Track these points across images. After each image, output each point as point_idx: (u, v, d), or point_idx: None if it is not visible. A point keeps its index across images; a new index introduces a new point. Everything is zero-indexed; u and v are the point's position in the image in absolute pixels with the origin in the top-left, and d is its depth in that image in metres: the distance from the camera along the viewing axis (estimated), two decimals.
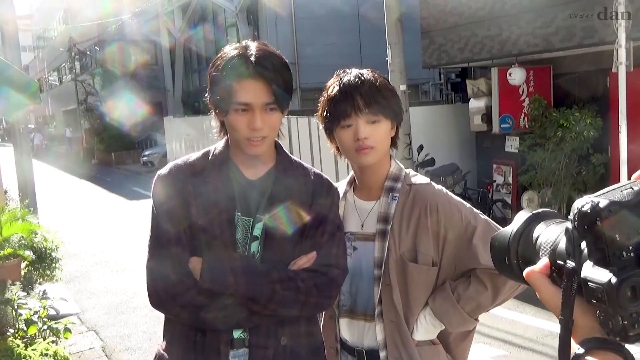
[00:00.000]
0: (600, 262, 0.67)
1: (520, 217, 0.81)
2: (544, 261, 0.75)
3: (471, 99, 9.67)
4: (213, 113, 1.75)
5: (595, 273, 0.67)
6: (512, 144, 9.26)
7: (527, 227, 0.80)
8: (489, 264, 1.74)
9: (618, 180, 6.43)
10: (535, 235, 0.79)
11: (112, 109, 25.84)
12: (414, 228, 1.82)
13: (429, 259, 1.81)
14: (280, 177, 1.73)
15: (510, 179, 9.40)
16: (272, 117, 1.64)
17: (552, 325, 5.40)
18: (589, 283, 0.67)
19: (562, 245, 0.72)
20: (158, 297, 1.63)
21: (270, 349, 1.66)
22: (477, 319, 1.84)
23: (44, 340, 3.69)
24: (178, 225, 1.65)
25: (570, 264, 0.70)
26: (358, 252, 1.89)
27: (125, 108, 24.57)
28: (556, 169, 8.39)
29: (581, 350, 0.70)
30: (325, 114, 1.85)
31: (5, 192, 8.13)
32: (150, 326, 6.09)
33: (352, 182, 1.99)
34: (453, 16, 9.71)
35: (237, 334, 1.67)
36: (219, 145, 1.77)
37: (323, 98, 1.87)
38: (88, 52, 29.11)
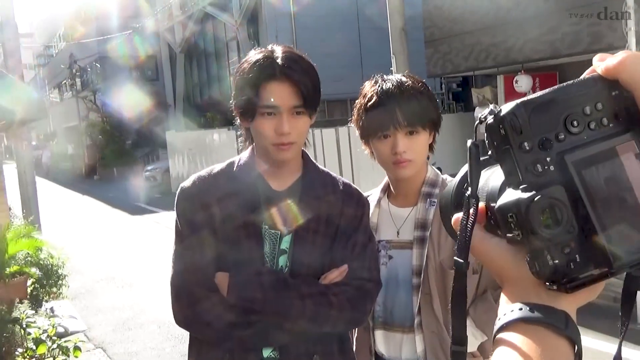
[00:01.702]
0: (515, 185, 0.52)
1: (463, 168, 0.65)
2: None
3: (476, 108, 9.62)
4: (238, 120, 1.67)
5: (506, 201, 0.52)
6: None
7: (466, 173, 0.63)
8: None
9: None
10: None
11: (113, 125, 25.84)
12: None
13: (469, 266, 1.72)
14: (308, 188, 1.66)
15: None
16: (299, 122, 1.58)
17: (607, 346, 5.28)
18: (500, 215, 0.52)
19: (496, 182, 0.56)
20: (183, 314, 1.56)
21: None
22: None
23: (54, 359, 3.60)
24: (203, 240, 1.58)
25: (468, 191, 0.56)
26: (394, 260, 1.82)
27: (127, 123, 24.57)
28: None
29: (500, 323, 0.54)
30: (361, 122, 1.78)
31: (9, 208, 8.06)
32: (158, 342, 5.99)
33: (386, 189, 1.92)
34: (457, 24, 9.68)
35: (267, 352, 1.59)
36: (243, 155, 1.69)
37: (359, 104, 1.80)
38: (89, 69, 29.18)
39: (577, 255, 0.51)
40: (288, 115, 1.55)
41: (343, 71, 16.11)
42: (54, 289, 6.20)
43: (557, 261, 0.50)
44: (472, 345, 1.79)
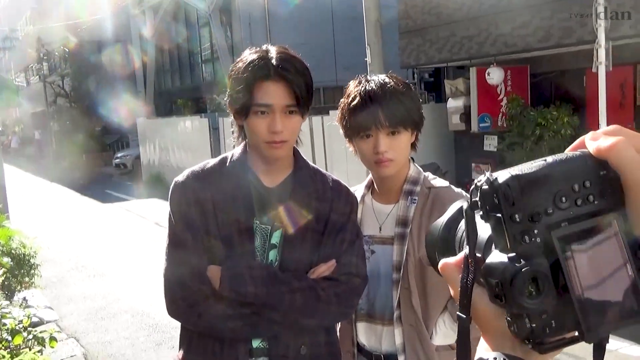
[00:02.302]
0: (504, 250, 0.55)
1: (453, 207, 0.70)
2: (462, 253, 0.63)
3: (449, 99, 9.73)
4: (231, 116, 1.72)
5: (493, 264, 0.55)
6: (491, 143, 9.34)
7: (457, 217, 0.68)
8: None
9: None
10: (463, 226, 0.65)
11: (82, 111, 25.40)
12: None
13: None
14: (299, 184, 1.71)
15: None
16: (292, 121, 1.62)
17: None
18: (487, 278, 0.55)
19: (484, 234, 0.60)
20: (176, 305, 1.61)
21: (290, 358, 1.64)
22: None
23: (30, 350, 3.59)
24: (196, 233, 1.62)
25: (466, 251, 0.59)
26: (376, 255, 1.87)
27: (96, 109, 24.18)
28: None
29: None
30: (344, 122, 1.83)
31: None
32: (132, 332, 5.98)
33: (370, 186, 1.97)
34: (431, 16, 9.76)
35: (256, 343, 1.65)
36: (236, 151, 1.74)
37: (343, 104, 1.84)
38: (56, 53, 28.58)
39: (553, 321, 0.55)
40: (281, 114, 1.59)
41: (316, 60, 16.05)
42: (27, 279, 6.12)
43: (534, 325, 0.54)
44: (450, 338, 1.85)
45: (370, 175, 1.97)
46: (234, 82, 1.63)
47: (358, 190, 1.96)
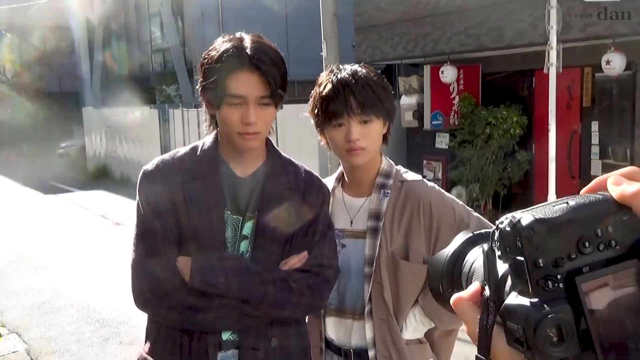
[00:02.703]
0: (523, 293, 0.54)
1: (458, 239, 0.69)
2: (474, 286, 0.62)
3: (402, 96, 9.81)
4: (204, 106, 1.66)
5: (514, 308, 0.54)
6: (443, 141, 9.48)
7: (464, 249, 0.67)
8: None
9: (542, 177, 6.63)
10: (471, 258, 0.65)
11: (24, 99, 24.49)
12: (406, 225, 1.79)
13: (420, 257, 1.79)
14: (271, 175, 1.67)
15: (440, 175, 9.62)
16: (266, 112, 1.59)
17: None
18: (507, 321, 0.54)
19: (498, 273, 0.59)
20: (144, 298, 1.55)
21: (261, 350, 1.61)
22: None
23: None
24: (165, 223, 1.57)
25: (487, 293, 0.58)
26: (347, 249, 1.85)
27: (39, 97, 23.36)
28: (484, 165, 8.65)
29: None
30: (316, 111, 1.80)
31: None
32: (77, 327, 5.80)
33: (340, 179, 1.94)
34: (387, 13, 9.82)
35: (226, 335, 1.61)
36: (207, 140, 1.69)
37: (315, 93, 1.81)
38: None
39: None
40: (255, 106, 1.55)
41: None
42: None
43: None
44: (419, 332, 1.85)
45: (340, 168, 1.95)
46: (207, 71, 1.58)
47: (328, 183, 1.93)
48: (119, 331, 5.62)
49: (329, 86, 1.76)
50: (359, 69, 1.80)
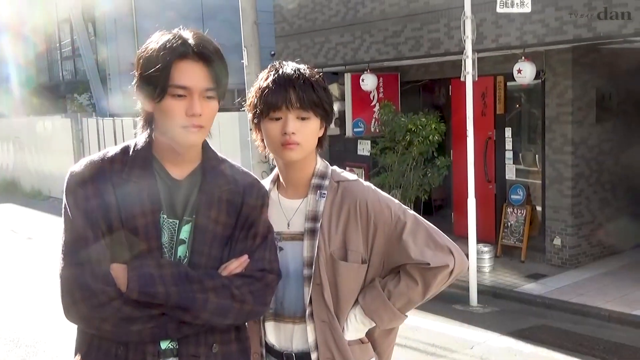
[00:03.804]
0: None
1: None
2: None
3: None
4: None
5: None
6: (364, 148, 9.62)
7: None
8: (419, 258, 1.75)
9: (461, 181, 6.83)
10: None
11: None
12: (344, 226, 1.78)
13: (358, 257, 1.78)
14: (208, 176, 1.60)
15: None
16: (210, 106, 1.52)
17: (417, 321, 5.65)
18: None
19: None
20: (76, 309, 1.44)
21: (202, 357, 1.55)
22: (406, 315, 1.84)
23: None
24: (97, 229, 1.47)
25: None
26: (284, 252, 1.80)
27: None
28: (405, 171, 8.84)
29: None
30: (255, 102, 1.76)
31: None
32: None
33: (275, 181, 1.91)
34: (307, 22, 9.88)
35: (165, 344, 1.53)
36: (139, 140, 1.59)
37: (257, 87, 1.78)
38: None
39: None
40: (200, 98, 1.49)
41: None
42: None
43: None
44: (360, 332, 1.84)
45: (276, 169, 1.92)
46: (146, 62, 1.48)
47: (264, 183, 1.89)
48: (37, 350, 5.31)
49: (270, 78, 1.74)
50: (302, 66, 1.79)
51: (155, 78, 1.46)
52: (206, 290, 1.50)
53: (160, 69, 1.45)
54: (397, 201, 1.86)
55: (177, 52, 1.46)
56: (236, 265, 1.58)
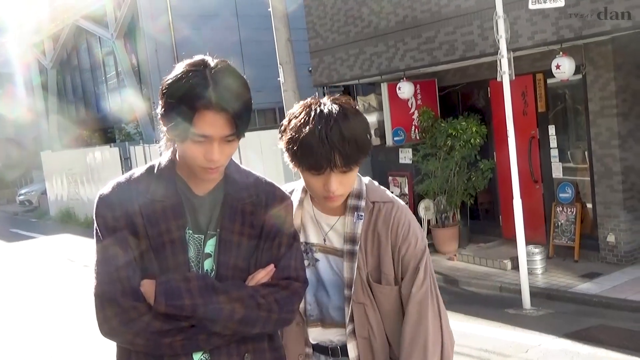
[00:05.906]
0: None
1: None
2: None
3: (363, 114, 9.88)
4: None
5: None
6: (406, 156, 9.57)
7: None
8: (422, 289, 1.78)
9: (506, 183, 6.66)
10: None
11: None
12: (377, 248, 1.82)
13: (391, 279, 1.82)
14: (230, 189, 1.64)
15: (406, 190, 9.69)
16: (230, 147, 1.55)
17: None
18: None
19: None
20: (110, 325, 1.50)
21: None
22: None
23: None
24: (126, 247, 1.53)
25: None
26: (321, 263, 1.86)
27: None
28: (449, 177, 8.76)
29: None
30: (293, 149, 1.70)
31: None
32: None
33: (307, 190, 1.90)
34: (340, 35, 9.94)
35: (197, 356, 1.57)
36: (163, 159, 1.65)
37: (292, 130, 1.70)
38: None
39: None
40: (219, 143, 1.51)
41: None
42: None
43: None
44: None
45: None
46: (170, 106, 1.50)
47: (295, 190, 1.91)
48: None
49: (309, 131, 1.65)
50: (340, 110, 1.68)
51: (177, 123, 1.49)
52: (232, 301, 1.53)
53: (181, 117, 1.47)
54: (421, 229, 1.89)
55: (198, 102, 1.46)
56: (263, 275, 1.61)
